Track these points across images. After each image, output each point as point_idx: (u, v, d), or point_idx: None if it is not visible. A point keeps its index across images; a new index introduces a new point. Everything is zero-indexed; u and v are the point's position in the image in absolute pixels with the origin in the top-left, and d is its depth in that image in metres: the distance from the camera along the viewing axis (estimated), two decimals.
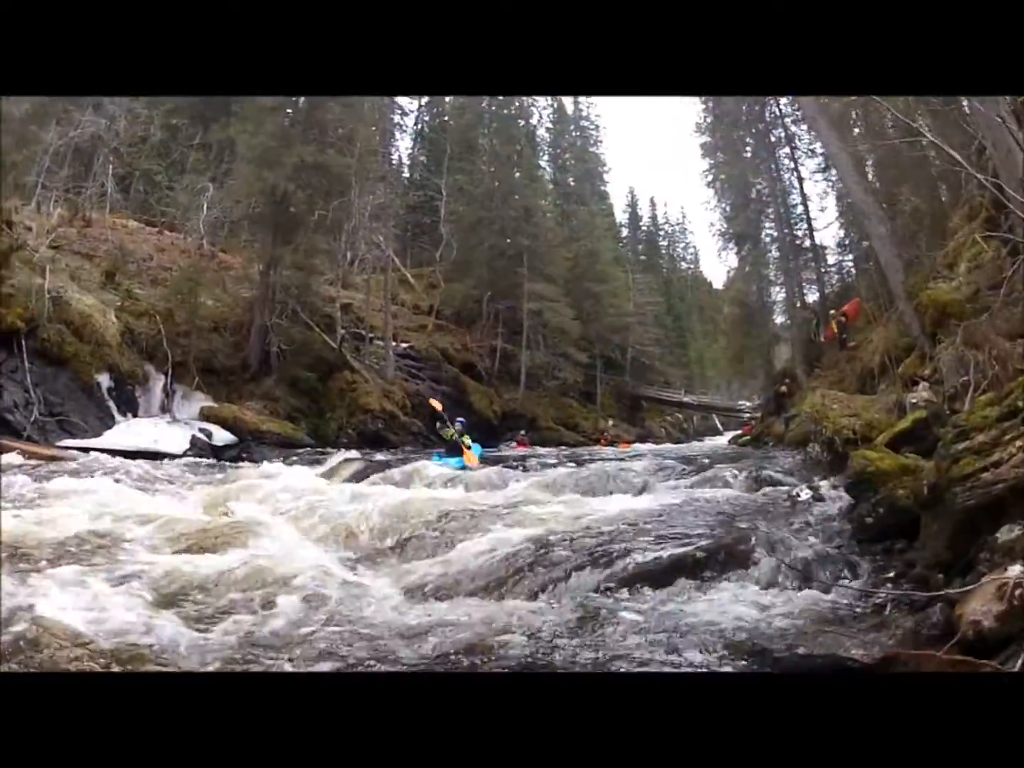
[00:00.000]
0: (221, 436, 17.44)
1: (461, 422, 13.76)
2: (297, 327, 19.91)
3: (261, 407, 18.24)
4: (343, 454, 14.42)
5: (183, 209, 25.04)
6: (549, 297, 27.13)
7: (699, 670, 3.10)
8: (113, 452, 13.52)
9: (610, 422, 30.02)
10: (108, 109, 25.74)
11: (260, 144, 21.78)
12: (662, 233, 63.37)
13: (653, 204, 63.17)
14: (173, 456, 15.44)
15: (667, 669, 3.10)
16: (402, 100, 27.72)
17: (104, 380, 16.79)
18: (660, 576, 4.39)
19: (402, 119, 31.37)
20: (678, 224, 65.95)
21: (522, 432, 23.18)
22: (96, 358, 16.69)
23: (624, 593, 4.26)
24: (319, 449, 16.97)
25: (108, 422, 16.10)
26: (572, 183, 42.10)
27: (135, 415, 17.40)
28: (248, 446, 17.35)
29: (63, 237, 21.30)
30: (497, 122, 36.00)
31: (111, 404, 16.74)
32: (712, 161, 26.48)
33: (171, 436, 16.76)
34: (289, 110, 25.34)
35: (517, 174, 31.67)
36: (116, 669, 2.99)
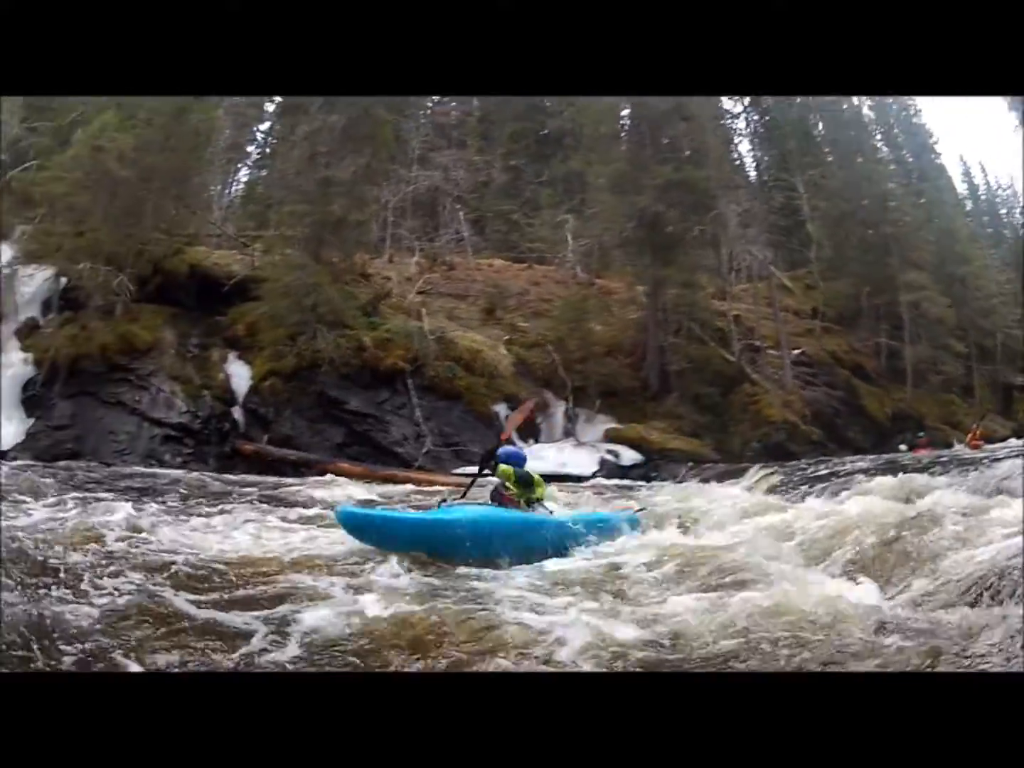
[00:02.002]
0: (628, 456, 18.05)
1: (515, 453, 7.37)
2: (692, 344, 20.13)
3: (666, 425, 18.59)
4: (759, 467, 13.79)
5: (549, 243, 26.38)
6: (922, 285, 25.24)
7: None
8: None
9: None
10: (437, 161, 28.02)
11: (614, 171, 22.50)
12: (998, 200, 56.46)
13: (984, 170, 56.28)
14: (581, 479, 16.25)
15: None
16: (727, 103, 27.20)
17: (501, 410, 17.87)
18: None
19: (732, 122, 30.86)
20: (1008, 187, 58.56)
21: (920, 433, 21.52)
22: (491, 390, 18.03)
23: None
24: (726, 464, 16.85)
25: None
26: (909, 159, 39.00)
27: (537, 441, 18.45)
28: (656, 464, 17.81)
29: (428, 282, 23.45)
30: (822, 109, 34.38)
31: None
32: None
33: (578, 459, 17.69)
34: (623, 135, 25.99)
35: (860, 159, 29.86)
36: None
